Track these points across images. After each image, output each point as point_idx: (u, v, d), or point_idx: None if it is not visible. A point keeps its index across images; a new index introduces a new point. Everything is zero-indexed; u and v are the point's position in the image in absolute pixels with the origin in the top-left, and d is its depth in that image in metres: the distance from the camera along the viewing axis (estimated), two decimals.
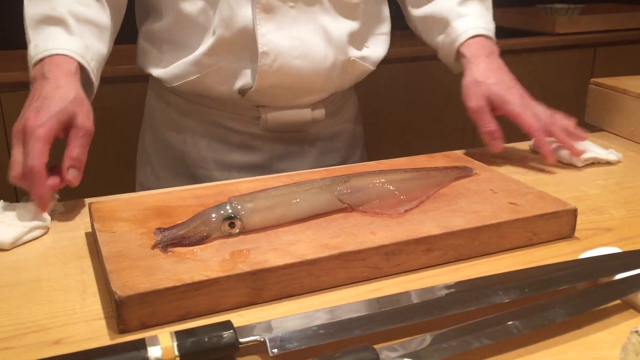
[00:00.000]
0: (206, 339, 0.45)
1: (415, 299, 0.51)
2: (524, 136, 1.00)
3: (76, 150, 0.70)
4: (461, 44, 0.91)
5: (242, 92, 0.89)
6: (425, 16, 0.96)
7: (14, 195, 1.79)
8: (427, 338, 0.46)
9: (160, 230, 0.59)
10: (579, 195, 0.77)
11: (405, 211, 0.64)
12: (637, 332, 0.39)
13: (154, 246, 0.57)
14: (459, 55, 0.92)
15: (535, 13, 2.46)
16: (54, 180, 0.68)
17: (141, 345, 0.44)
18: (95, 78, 0.79)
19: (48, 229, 0.68)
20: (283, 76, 0.86)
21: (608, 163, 0.88)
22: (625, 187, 0.80)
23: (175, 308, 0.51)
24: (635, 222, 0.70)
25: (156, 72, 0.92)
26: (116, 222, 0.62)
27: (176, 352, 0.44)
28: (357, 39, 0.92)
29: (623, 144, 0.98)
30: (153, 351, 0.43)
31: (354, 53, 0.92)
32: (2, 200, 0.72)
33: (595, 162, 0.88)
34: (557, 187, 0.79)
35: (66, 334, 0.49)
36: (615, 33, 2.39)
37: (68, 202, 0.74)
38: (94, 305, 0.53)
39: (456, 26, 0.91)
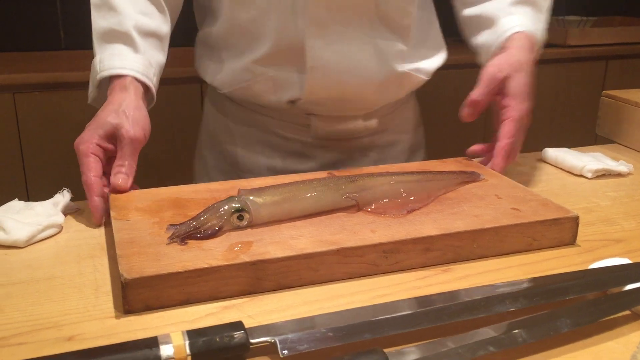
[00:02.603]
0: (217, 339, 0.45)
1: (424, 305, 0.51)
2: (535, 146, 1.01)
3: (121, 157, 0.73)
4: (505, 39, 0.87)
5: (292, 101, 0.90)
6: (475, 15, 0.95)
7: (25, 194, 1.81)
8: (436, 344, 0.46)
9: (173, 226, 0.61)
10: (590, 206, 0.77)
11: (408, 212, 0.65)
12: None
13: (171, 239, 0.58)
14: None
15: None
16: (103, 190, 0.71)
17: (153, 343, 0.44)
18: (155, 89, 0.82)
19: (62, 227, 0.68)
20: (332, 90, 0.88)
21: (619, 175, 0.88)
22: (636, 199, 0.80)
23: (178, 293, 0.54)
24: None
25: (209, 78, 0.94)
26: (131, 211, 0.65)
27: (188, 351, 0.44)
28: (409, 55, 0.92)
29: (634, 156, 0.98)
30: (165, 349, 0.44)
31: (407, 67, 0.92)
32: (16, 199, 0.72)
33: (605, 174, 0.88)
34: (567, 198, 0.79)
35: (79, 331, 0.50)
36: (627, 46, 2.39)
37: (82, 202, 0.75)
38: (107, 304, 0.54)
39: (504, 23, 0.89)
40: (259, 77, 0.88)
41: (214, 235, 0.60)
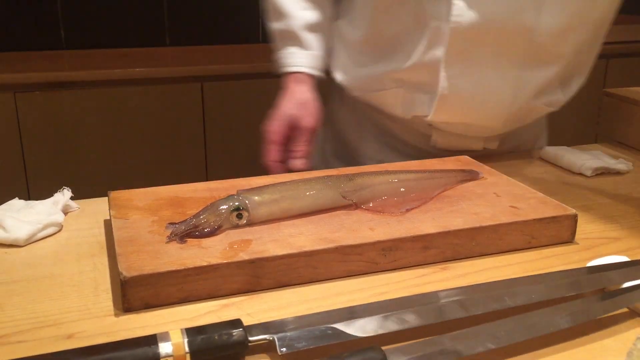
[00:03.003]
0: (216, 337, 0.46)
1: (423, 303, 0.51)
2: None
3: (298, 144, 0.90)
4: None
5: (417, 116, 0.90)
6: None
7: (26, 193, 1.82)
8: (434, 341, 0.47)
9: (172, 224, 0.61)
10: (588, 204, 0.78)
11: (407, 210, 0.65)
12: None
13: (170, 239, 0.58)
14: None
15: None
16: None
17: (152, 341, 0.45)
18: (321, 73, 0.96)
19: (62, 226, 0.69)
20: (460, 116, 0.87)
21: (618, 173, 0.88)
22: (634, 197, 0.80)
23: (177, 291, 0.54)
24: None
25: (339, 77, 0.98)
26: (131, 210, 0.65)
27: (186, 349, 0.45)
28: (552, 85, 0.89)
29: (634, 154, 0.99)
30: (164, 347, 0.44)
31: (542, 100, 0.89)
32: (17, 198, 0.73)
33: (605, 172, 0.88)
34: (566, 196, 0.79)
35: (79, 329, 0.50)
36: (628, 44, 2.39)
37: (82, 200, 0.75)
38: (106, 302, 0.54)
39: None
40: (390, 91, 0.90)
41: (212, 233, 0.60)
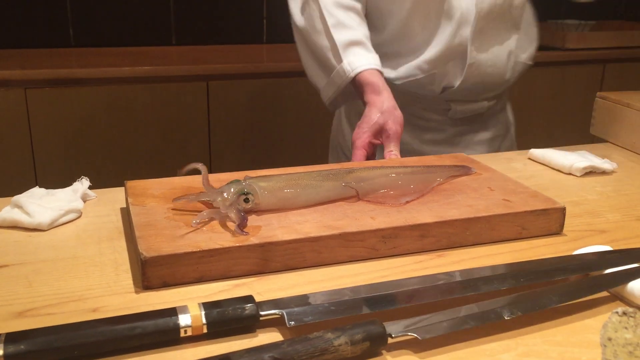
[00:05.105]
0: (230, 310, 0.50)
1: (419, 284, 0.55)
2: (528, 145, 1.05)
3: (388, 146, 0.97)
4: None
5: (445, 88, 1.11)
6: None
7: (34, 185, 1.86)
8: (428, 317, 0.51)
9: (178, 198, 0.67)
10: (578, 200, 0.82)
11: (407, 202, 0.70)
12: (617, 312, 0.43)
13: (237, 231, 0.62)
14: None
15: (546, 28, 2.50)
16: None
17: (173, 312, 0.49)
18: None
19: (81, 213, 0.73)
20: (478, 80, 1.10)
21: (604, 172, 0.92)
22: (622, 193, 0.85)
23: (192, 271, 0.58)
24: (629, 226, 0.74)
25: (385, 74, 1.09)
26: (147, 197, 0.70)
27: (204, 320, 0.49)
28: (522, 44, 1.15)
29: (625, 154, 1.03)
30: (184, 318, 0.49)
31: (521, 57, 1.16)
32: (37, 187, 0.77)
33: (592, 171, 0.92)
34: (557, 192, 0.84)
35: (103, 303, 0.55)
36: (624, 50, 2.43)
37: (99, 190, 0.80)
38: (127, 281, 0.59)
39: None
40: (428, 73, 1.09)
41: (245, 219, 0.64)
